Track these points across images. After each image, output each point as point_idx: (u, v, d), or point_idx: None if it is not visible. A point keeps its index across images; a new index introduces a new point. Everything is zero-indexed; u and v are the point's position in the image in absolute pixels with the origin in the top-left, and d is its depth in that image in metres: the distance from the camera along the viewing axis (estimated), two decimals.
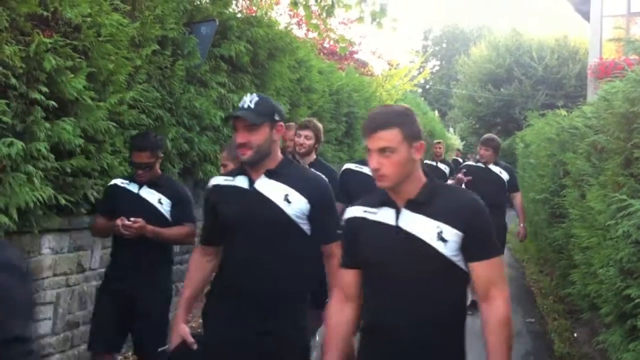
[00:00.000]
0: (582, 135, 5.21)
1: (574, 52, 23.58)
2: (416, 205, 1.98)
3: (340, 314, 2.12)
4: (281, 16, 13.45)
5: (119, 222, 3.25)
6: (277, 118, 2.44)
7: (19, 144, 3.25)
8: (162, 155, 3.62)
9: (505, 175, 6.06)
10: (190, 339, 2.42)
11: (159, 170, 3.55)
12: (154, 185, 3.47)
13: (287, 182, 2.41)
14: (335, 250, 2.39)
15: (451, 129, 32.41)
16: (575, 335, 5.48)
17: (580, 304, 4.79)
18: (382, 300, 2.00)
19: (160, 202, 3.45)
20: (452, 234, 1.92)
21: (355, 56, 16.17)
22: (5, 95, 3.32)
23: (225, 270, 2.48)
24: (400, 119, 1.96)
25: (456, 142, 28.31)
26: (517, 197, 6.25)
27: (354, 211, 2.13)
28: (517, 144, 14.11)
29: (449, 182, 8.48)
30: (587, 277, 4.21)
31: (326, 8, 6.68)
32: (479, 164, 6.19)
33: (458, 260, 1.95)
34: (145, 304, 3.36)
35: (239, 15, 6.19)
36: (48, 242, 3.90)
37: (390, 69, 15.65)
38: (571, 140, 5.79)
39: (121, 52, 4.14)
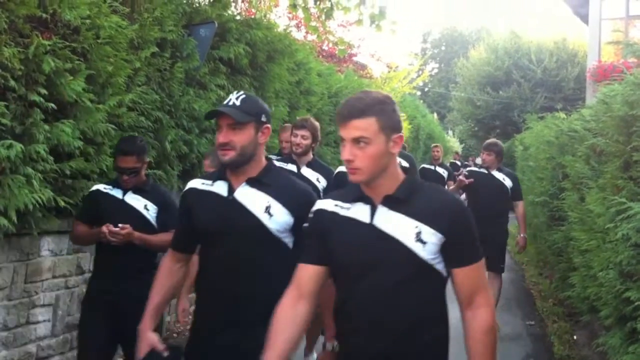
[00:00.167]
0: (581, 138, 5.21)
1: (573, 54, 23.65)
2: (394, 202, 1.81)
3: (290, 310, 1.89)
4: (280, 18, 13.49)
5: (105, 229, 3.09)
6: (264, 119, 2.25)
7: (18, 146, 3.24)
8: (147, 160, 3.50)
9: (508, 182, 5.77)
10: (160, 347, 2.23)
11: (144, 176, 3.40)
12: (139, 190, 3.32)
13: (270, 192, 2.21)
14: None
15: (450, 132, 32.50)
16: (574, 337, 5.47)
17: (579, 307, 4.79)
18: (354, 305, 1.83)
19: (146, 208, 3.30)
20: (432, 236, 1.76)
21: (354, 59, 16.20)
22: (4, 97, 3.32)
23: (202, 281, 2.31)
24: (377, 107, 1.78)
25: (455, 144, 28.39)
26: (520, 206, 5.92)
27: (323, 204, 1.94)
28: (516, 146, 14.14)
29: (447, 186, 8.51)
30: (586, 280, 4.22)
31: (325, 10, 6.68)
32: (482, 170, 5.92)
33: (437, 263, 1.79)
34: (134, 314, 3.15)
35: (238, 17, 6.20)
36: (47, 244, 3.89)
37: (389, 72, 15.68)
38: (570, 143, 5.80)
39: (120, 54, 4.14)
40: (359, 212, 1.84)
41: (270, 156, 4.96)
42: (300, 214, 2.16)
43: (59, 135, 3.57)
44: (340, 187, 4.31)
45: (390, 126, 1.79)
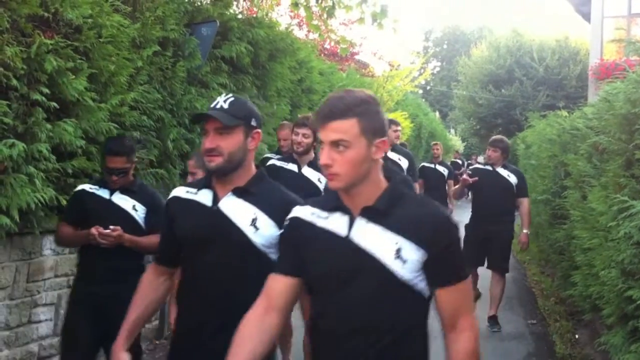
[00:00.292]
0: (583, 136, 5.20)
1: (575, 53, 23.62)
2: (373, 214, 1.65)
3: (257, 321, 1.74)
4: (282, 17, 13.46)
5: (94, 231, 3.02)
6: (253, 124, 2.10)
7: (20, 145, 3.25)
8: (136, 160, 3.44)
9: (513, 179, 5.69)
10: None
11: (132, 176, 3.32)
12: (127, 191, 3.24)
13: (257, 203, 2.06)
14: None
15: (452, 130, 32.49)
16: (576, 336, 5.47)
17: (581, 306, 4.78)
18: (328, 324, 1.70)
19: (134, 209, 3.23)
20: (413, 253, 1.61)
21: (356, 57, 16.19)
22: (6, 96, 3.32)
23: (184, 291, 2.18)
24: (360, 107, 1.63)
25: (457, 143, 28.37)
26: (525, 203, 5.79)
27: (300, 212, 1.79)
28: (518, 145, 14.12)
29: (448, 184, 8.48)
30: (588, 279, 4.21)
31: (327, 9, 6.68)
32: (487, 167, 5.85)
33: (418, 282, 1.64)
34: (121, 316, 3.01)
35: (239, 16, 6.20)
36: (49, 243, 3.90)
37: (391, 70, 15.62)
38: (572, 142, 5.79)
39: (122, 53, 4.14)
40: (336, 223, 1.70)
41: (270, 155, 4.98)
42: None
43: (61, 134, 3.58)
44: None
45: (373, 129, 1.64)
